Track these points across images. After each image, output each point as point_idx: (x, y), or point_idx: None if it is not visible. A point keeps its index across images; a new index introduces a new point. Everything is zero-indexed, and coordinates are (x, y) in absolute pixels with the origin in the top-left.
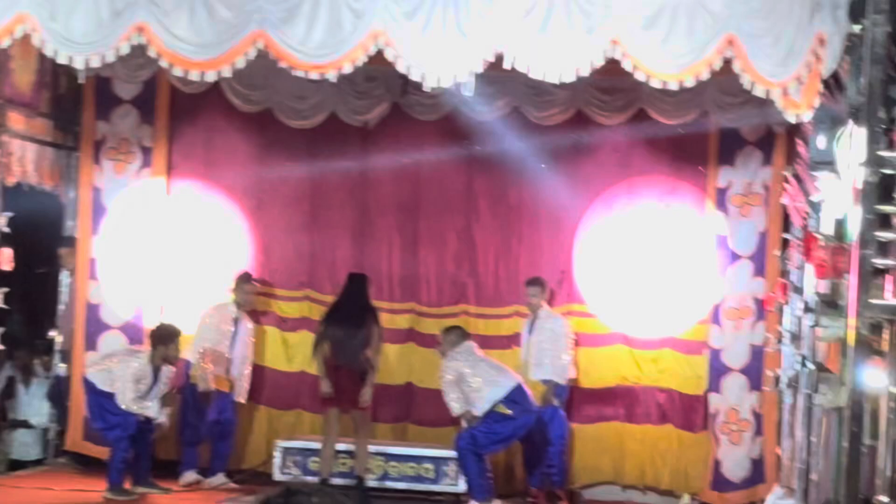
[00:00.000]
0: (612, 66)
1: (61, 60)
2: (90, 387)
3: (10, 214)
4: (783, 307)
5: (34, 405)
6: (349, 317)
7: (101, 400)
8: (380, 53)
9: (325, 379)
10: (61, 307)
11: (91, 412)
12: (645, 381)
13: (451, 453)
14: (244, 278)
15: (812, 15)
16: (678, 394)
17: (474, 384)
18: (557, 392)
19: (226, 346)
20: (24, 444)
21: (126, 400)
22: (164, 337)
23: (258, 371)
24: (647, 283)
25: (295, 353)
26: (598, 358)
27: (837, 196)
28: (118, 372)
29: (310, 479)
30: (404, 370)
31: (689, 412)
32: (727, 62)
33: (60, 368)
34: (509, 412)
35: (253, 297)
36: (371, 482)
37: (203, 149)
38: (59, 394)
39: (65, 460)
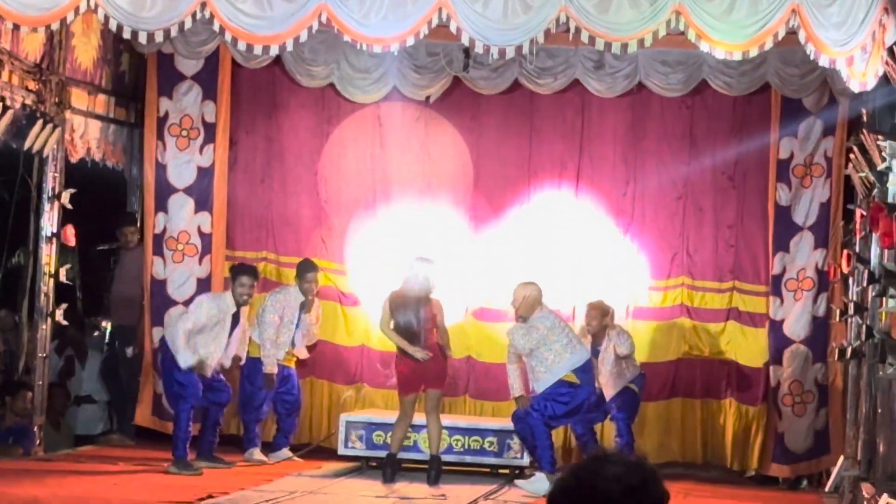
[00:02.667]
0: (676, 37)
1: (126, 36)
2: (163, 346)
3: (73, 191)
4: (848, 278)
5: (94, 380)
6: (416, 299)
7: (169, 363)
8: (442, 27)
9: (409, 356)
10: (120, 285)
11: (163, 378)
12: (707, 355)
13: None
14: (306, 266)
15: None
16: (739, 366)
17: (555, 348)
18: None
19: (291, 331)
20: (88, 420)
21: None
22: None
23: (321, 346)
24: (709, 255)
25: (354, 327)
26: (660, 332)
27: None
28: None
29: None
30: (463, 344)
31: (751, 385)
32: (791, 32)
33: (117, 346)
34: (577, 381)
35: (314, 284)
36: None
37: (265, 124)
38: (111, 370)
39: (118, 436)
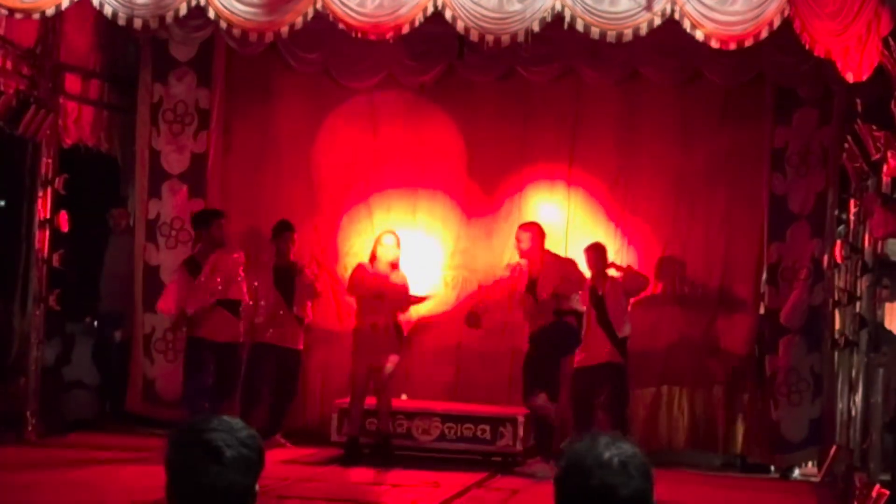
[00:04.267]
0: (671, 26)
1: (120, 22)
2: None
3: (66, 176)
4: (841, 267)
5: (85, 366)
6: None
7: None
8: (437, 14)
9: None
10: (109, 270)
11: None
12: (698, 343)
13: (509, 414)
14: (283, 226)
15: None
16: (729, 354)
17: None
18: None
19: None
20: (78, 405)
21: None
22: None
23: (313, 332)
24: (701, 244)
25: (346, 313)
26: (650, 319)
27: None
28: None
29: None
30: (454, 330)
31: (742, 374)
32: (786, 21)
33: (109, 331)
34: None
35: (291, 244)
36: (429, 443)
37: (259, 110)
38: (103, 356)
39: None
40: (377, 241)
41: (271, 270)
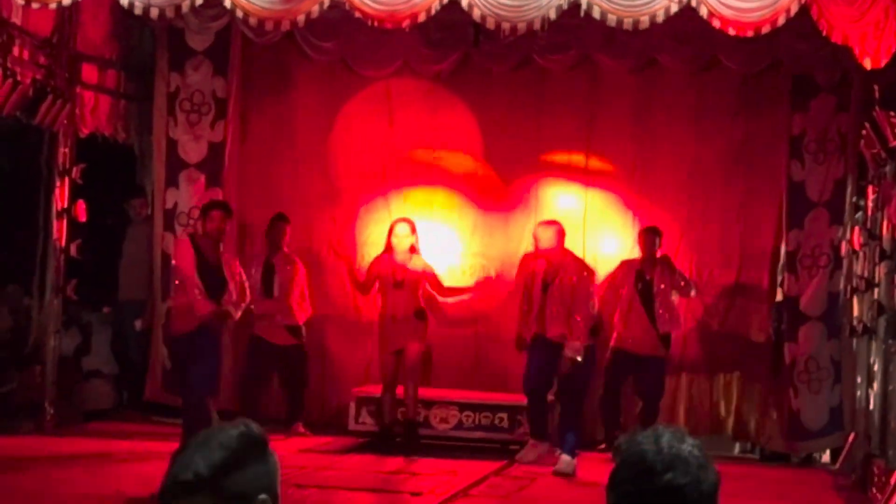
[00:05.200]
0: (687, 13)
1: (137, 12)
2: None
3: (83, 166)
4: (859, 254)
5: (103, 356)
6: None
7: None
8: (453, 2)
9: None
10: (127, 259)
11: None
12: (716, 330)
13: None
14: (278, 217)
15: None
16: (747, 341)
17: None
18: None
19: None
20: (97, 395)
21: None
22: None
23: (330, 322)
24: (718, 232)
25: (363, 303)
26: None
27: None
28: None
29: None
30: (470, 318)
31: (759, 360)
32: (803, 8)
33: (128, 320)
34: None
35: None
36: (446, 431)
37: (276, 99)
38: (122, 345)
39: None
40: (391, 231)
41: (262, 263)
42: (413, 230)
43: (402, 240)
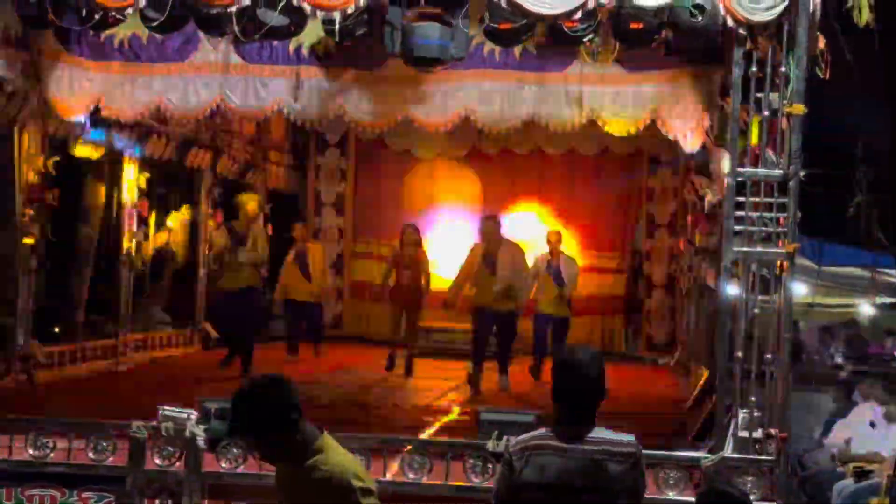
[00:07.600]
0: (593, 123)
1: (298, 123)
2: None
3: (271, 205)
4: (684, 252)
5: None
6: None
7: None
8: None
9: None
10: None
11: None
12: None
13: None
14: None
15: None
16: (618, 298)
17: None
18: None
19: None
20: None
21: None
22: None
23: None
24: (599, 234)
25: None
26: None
27: (712, 190)
28: None
29: None
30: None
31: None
32: (653, 122)
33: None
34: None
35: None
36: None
37: (373, 168)
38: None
39: None
40: (402, 232)
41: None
42: (417, 232)
43: (408, 238)
